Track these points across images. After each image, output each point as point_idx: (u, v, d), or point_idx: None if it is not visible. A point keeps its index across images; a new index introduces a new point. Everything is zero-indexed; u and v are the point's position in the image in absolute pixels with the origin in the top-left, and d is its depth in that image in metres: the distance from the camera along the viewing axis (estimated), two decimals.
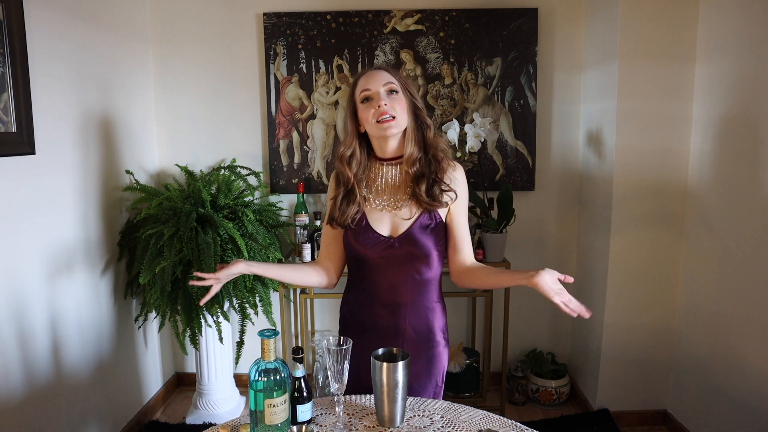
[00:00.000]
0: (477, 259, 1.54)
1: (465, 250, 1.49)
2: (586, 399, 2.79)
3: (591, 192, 2.78)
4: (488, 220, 2.59)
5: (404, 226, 1.43)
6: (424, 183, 1.43)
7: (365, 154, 1.50)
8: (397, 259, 1.43)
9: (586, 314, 1.23)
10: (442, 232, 1.47)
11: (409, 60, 2.82)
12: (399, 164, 1.47)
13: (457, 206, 1.47)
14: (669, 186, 2.48)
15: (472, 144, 2.52)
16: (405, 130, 1.44)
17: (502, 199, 2.59)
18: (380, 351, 1.26)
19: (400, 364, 1.19)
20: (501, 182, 2.85)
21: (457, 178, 1.47)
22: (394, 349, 1.27)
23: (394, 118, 1.39)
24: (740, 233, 2.12)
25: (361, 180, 1.48)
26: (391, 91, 1.41)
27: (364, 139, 1.49)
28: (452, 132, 2.54)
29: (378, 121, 1.39)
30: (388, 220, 1.45)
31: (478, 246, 2.61)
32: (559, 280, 1.25)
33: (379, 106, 1.38)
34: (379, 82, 1.40)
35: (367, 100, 1.42)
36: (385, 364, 1.19)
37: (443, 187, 1.43)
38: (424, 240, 1.42)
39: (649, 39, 2.39)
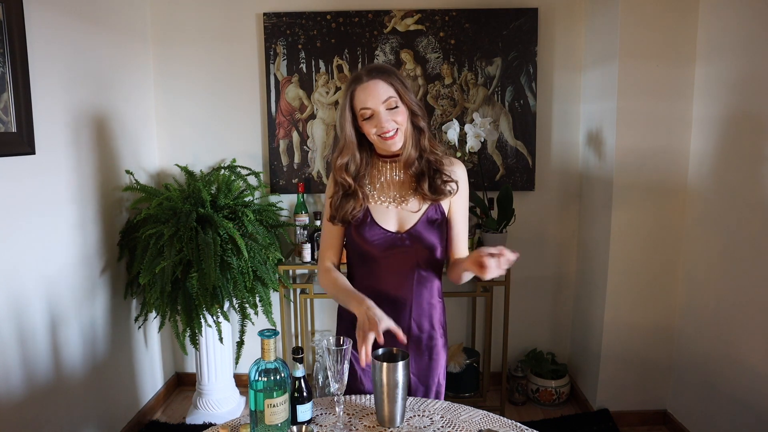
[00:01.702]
0: None
1: (459, 247, 1.51)
2: (586, 399, 2.79)
3: (591, 192, 2.78)
4: (488, 220, 2.59)
5: (412, 219, 1.44)
6: (425, 179, 1.44)
7: (367, 152, 1.49)
8: (404, 254, 1.44)
9: (511, 256, 1.23)
10: (446, 228, 1.49)
11: (409, 60, 2.82)
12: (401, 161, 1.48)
13: (456, 201, 1.48)
14: (669, 186, 2.48)
15: (472, 144, 2.52)
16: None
17: (502, 199, 2.59)
18: (380, 351, 1.26)
19: (400, 364, 1.19)
20: (501, 182, 2.85)
21: (457, 173, 1.48)
22: (394, 349, 1.27)
23: (396, 132, 1.39)
24: (740, 233, 2.12)
25: (363, 177, 1.48)
26: (391, 105, 1.39)
27: (365, 137, 1.49)
28: (452, 132, 2.54)
29: (381, 136, 1.39)
30: (395, 215, 1.45)
31: (478, 246, 2.61)
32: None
33: (381, 126, 1.38)
34: (378, 98, 1.37)
35: (368, 117, 1.41)
36: (385, 364, 1.19)
37: (444, 178, 1.44)
38: (431, 234, 1.44)
39: (649, 39, 2.39)
